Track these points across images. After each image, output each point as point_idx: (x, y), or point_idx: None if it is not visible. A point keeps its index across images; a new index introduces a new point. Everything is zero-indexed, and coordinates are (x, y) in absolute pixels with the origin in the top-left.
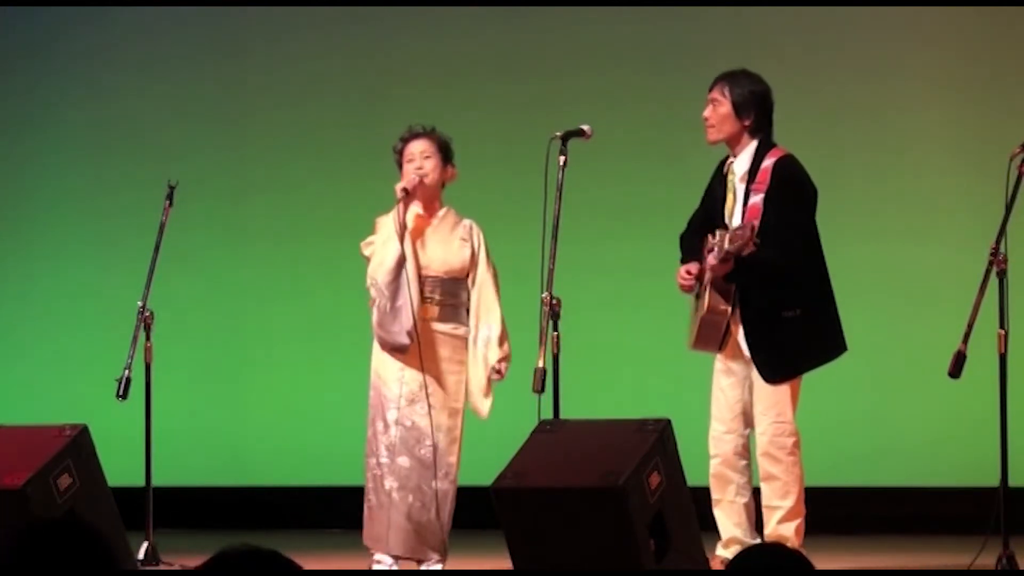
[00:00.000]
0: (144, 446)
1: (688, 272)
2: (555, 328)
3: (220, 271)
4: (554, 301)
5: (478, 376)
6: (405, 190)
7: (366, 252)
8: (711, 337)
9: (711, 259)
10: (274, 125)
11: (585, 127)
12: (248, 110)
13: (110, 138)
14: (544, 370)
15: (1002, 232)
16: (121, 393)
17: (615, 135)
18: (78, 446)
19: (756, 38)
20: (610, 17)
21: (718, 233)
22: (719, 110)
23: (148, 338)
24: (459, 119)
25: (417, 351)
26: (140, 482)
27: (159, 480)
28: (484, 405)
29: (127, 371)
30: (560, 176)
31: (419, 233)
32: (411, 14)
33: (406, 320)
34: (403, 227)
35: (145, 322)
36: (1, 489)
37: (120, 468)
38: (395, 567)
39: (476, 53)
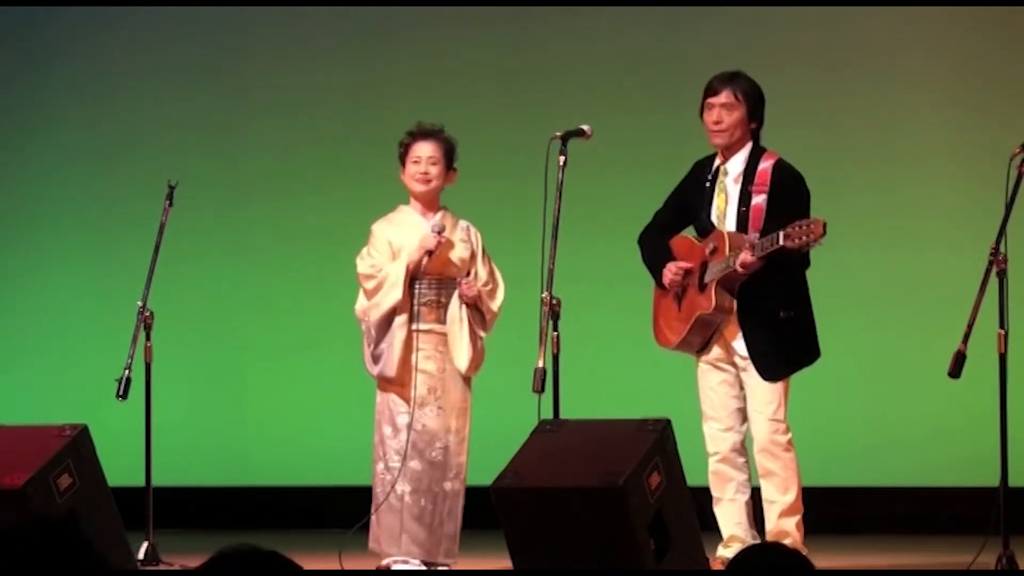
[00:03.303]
0: (144, 446)
1: (680, 268)
2: (555, 328)
3: (221, 271)
4: (554, 301)
5: (455, 336)
6: (429, 252)
7: (364, 283)
8: (700, 336)
9: (747, 255)
10: (275, 131)
11: (585, 127)
12: (249, 116)
13: (112, 144)
14: (544, 370)
15: (1002, 232)
16: (121, 393)
17: (616, 136)
18: (78, 446)
19: (756, 44)
20: (612, 21)
21: (753, 234)
22: (734, 114)
23: (148, 338)
24: (459, 123)
25: (415, 356)
26: (140, 482)
27: (159, 480)
28: (463, 361)
29: (127, 371)
30: (560, 176)
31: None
32: (412, 20)
33: (382, 366)
34: (412, 273)
35: (145, 322)
36: (1, 489)
37: (120, 468)
38: (407, 567)
39: (477, 59)
